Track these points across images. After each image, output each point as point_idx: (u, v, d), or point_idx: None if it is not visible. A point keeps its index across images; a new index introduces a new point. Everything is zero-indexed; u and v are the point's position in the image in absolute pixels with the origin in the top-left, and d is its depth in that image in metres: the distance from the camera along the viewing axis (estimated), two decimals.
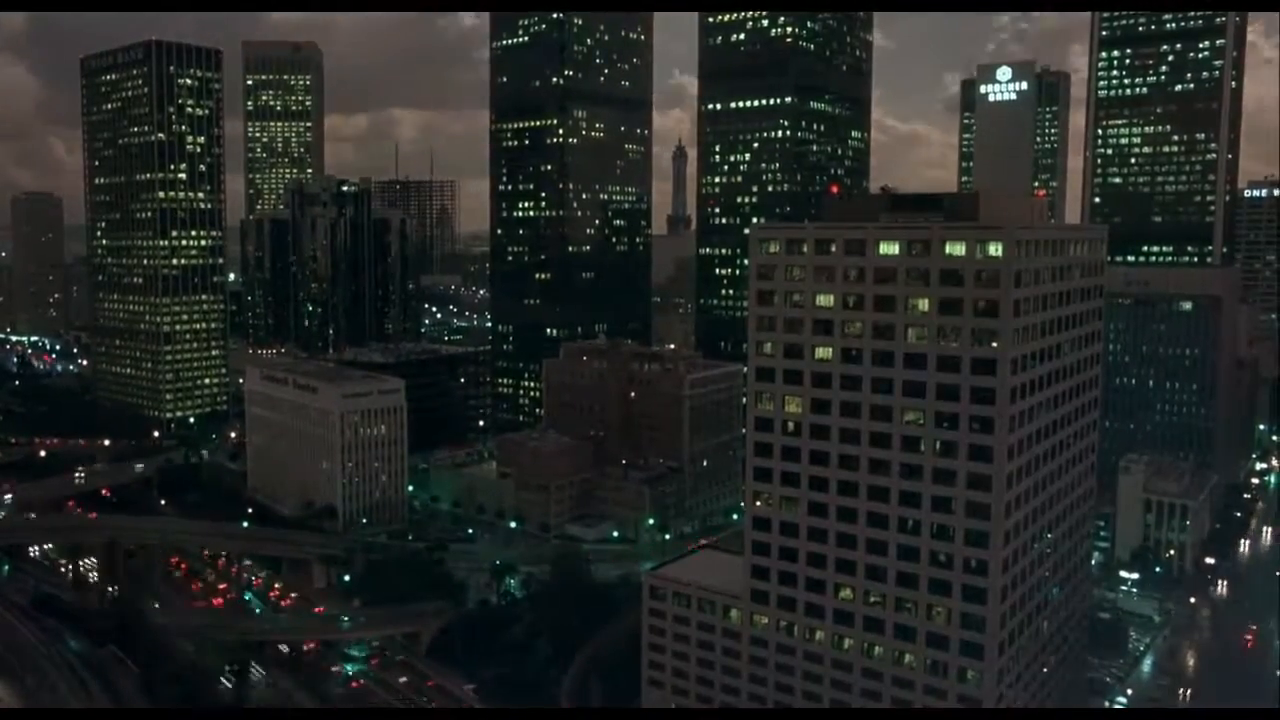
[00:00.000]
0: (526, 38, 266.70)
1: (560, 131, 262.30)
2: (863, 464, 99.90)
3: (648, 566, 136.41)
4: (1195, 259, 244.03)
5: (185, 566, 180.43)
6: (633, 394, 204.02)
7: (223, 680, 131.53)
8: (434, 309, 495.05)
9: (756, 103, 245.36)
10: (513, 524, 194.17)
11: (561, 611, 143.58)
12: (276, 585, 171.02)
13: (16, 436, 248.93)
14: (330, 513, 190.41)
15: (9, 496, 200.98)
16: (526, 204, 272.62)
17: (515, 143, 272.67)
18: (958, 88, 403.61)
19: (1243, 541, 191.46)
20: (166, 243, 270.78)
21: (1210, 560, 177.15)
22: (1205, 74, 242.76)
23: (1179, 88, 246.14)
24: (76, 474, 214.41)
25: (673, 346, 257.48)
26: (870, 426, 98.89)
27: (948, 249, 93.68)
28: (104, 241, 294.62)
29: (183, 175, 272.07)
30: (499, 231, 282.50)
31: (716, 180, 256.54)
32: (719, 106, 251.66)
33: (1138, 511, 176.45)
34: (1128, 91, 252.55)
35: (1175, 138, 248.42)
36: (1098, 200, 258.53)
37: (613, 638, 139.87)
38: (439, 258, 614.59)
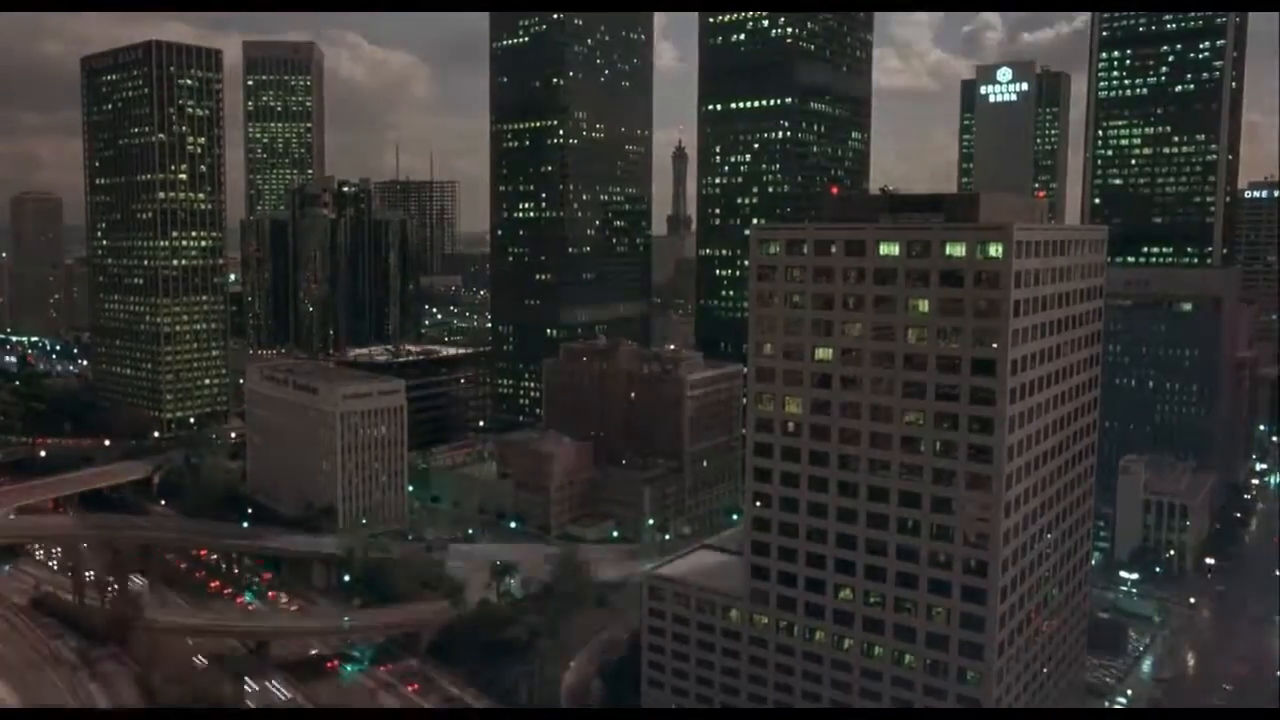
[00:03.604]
0: (527, 38, 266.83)
1: (560, 132, 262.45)
2: (862, 464, 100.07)
3: (647, 566, 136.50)
4: (1195, 260, 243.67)
5: (185, 566, 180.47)
6: (633, 394, 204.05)
7: (222, 680, 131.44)
8: (434, 309, 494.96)
9: (757, 103, 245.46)
10: (513, 524, 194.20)
11: (562, 611, 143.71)
12: (276, 585, 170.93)
13: (16, 436, 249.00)
14: (330, 513, 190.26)
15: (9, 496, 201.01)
16: (527, 204, 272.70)
17: (515, 143, 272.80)
18: None
19: (1243, 541, 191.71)
20: (167, 243, 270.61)
21: (1210, 560, 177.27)
22: (1205, 74, 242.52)
23: (1179, 88, 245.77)
24: (77, 474, 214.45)
25: (673, 347, 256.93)
26: (870, 427, 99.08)
27: (948, 250, 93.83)
28: (104, 242, 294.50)
29: (183, 176, 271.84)
30: (499, 232, 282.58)
31: (717, 181, 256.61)
32: (719, 107, 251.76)
33: (1138, 511, 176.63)
34: (1128, 92, 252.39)
35: (1175, 138, 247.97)
36: (1098, 201, 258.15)
37: (613, 638, 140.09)
38: (439, 258, 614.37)
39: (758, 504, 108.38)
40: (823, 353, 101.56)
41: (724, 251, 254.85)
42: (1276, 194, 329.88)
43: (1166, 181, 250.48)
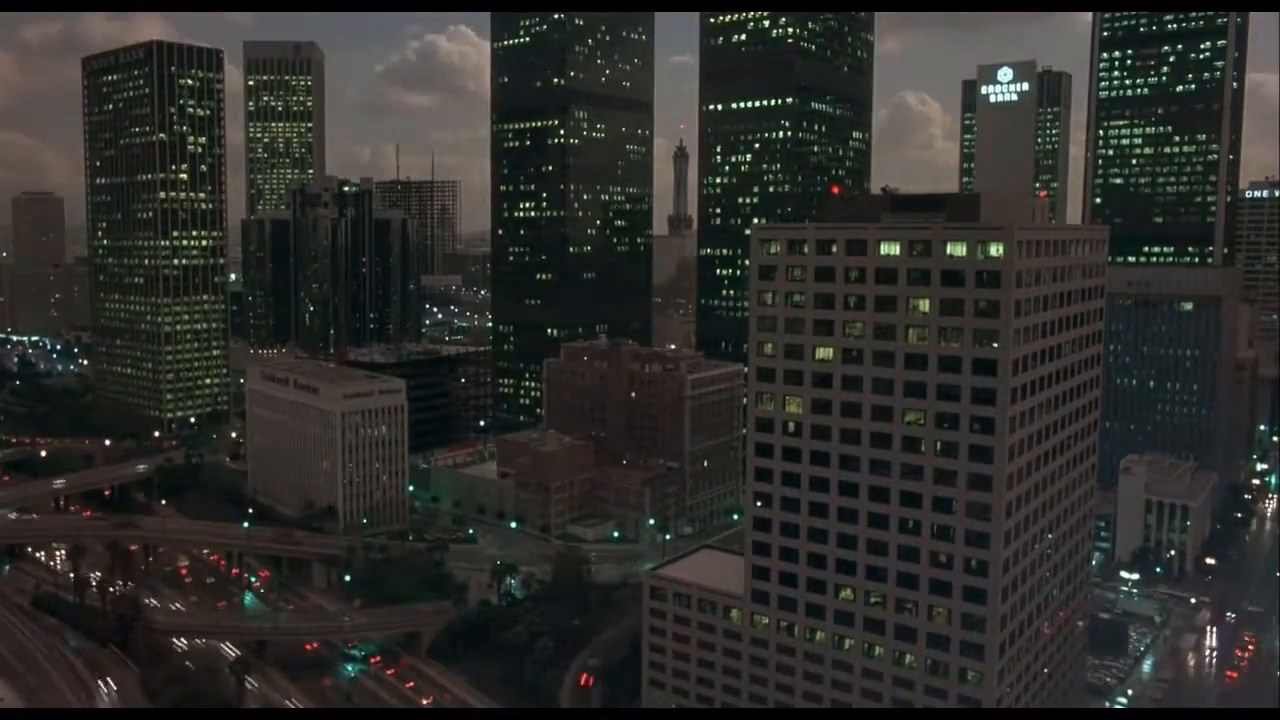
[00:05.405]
0: (528, 38, 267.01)
1: (561, 132, 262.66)
2: (863, 464, 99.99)
3: (648, 567, 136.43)
4: (1196, 259, 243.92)
5: (186, 567, 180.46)
6: (633, 394, 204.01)
7: (223, 681, 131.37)
8: (435, 309, 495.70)
9: (758, 103, 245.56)
10: (513, 524, 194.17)
11: (562, 612, 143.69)
12: (276, 585, 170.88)
13: (17, 436, 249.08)
14: (331, 513, 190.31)
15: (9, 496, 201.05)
16: (528, 204, 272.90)
17: (517, 143, 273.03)
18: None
19: (1244, 541, 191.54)
20: (167, 243, 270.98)
21: (1211, 560, 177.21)
22: (1206, 74, 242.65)
23: (1180, 88, 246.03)
24: (77, 474, 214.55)
25: (673, 347, 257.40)
26: (871, 427, 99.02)
27: (949, 249, 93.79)
28: (105, 242, 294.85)
29: (184, 175, 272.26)
30: (500, 232, 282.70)
31: (718, 181, 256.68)
32: (720, 107, 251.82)
33: (1138, 512, 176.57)
34: (1129, 92, 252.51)
35: (1176, 138, 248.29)
36: (1099, 201, 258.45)
37: (614, 638, 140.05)
38: (440, 258, 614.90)
39: (758, 504, 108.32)
40: (824, 352, 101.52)
41: (725, 251, 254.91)
42: (1277, 194, 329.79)
43: (1167, 181, 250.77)
